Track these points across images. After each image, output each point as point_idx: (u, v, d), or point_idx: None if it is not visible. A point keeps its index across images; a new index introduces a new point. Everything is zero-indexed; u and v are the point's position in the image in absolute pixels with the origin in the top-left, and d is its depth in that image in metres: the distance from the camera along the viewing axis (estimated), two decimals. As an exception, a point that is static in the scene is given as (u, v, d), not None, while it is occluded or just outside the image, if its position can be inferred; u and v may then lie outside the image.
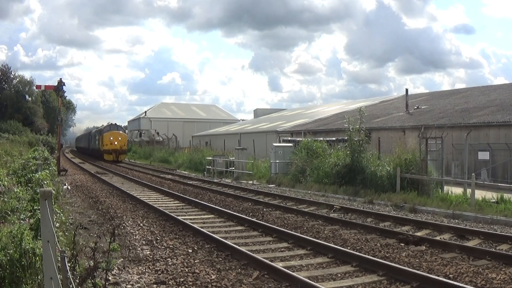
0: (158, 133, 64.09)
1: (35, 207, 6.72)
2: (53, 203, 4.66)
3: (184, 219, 11.50)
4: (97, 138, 50.50)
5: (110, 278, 6.25)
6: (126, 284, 6.36)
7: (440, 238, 9.68)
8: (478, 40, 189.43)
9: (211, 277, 6.79)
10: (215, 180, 24.15)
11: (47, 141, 45.80)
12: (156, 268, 7.22)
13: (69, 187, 18.84)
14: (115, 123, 50.21)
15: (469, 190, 14.86)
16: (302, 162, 22.00)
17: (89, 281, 4.97)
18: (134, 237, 9.50)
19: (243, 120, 75.42)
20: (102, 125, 54.59)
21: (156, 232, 10.14)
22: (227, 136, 50.60)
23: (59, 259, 3.78)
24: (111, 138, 45.91)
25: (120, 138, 46.43)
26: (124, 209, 13.45)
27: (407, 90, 35.30)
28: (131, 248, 8.52)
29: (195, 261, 7.69)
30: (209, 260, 7.82)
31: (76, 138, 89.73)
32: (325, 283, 6.61)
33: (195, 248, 8.65)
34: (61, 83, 26.48)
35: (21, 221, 6.09)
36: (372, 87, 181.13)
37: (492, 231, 10.44)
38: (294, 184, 20.94)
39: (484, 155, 21.95)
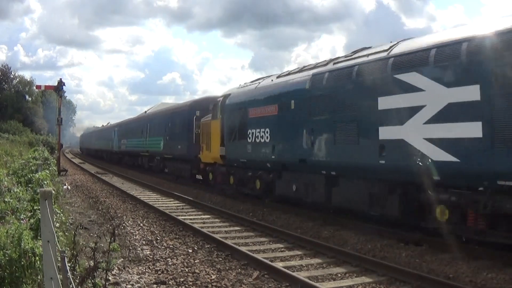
0: None
1: (35, 207, 6.72)
2: (53, 203, 4.66)
3: (184, 219, 11.50)
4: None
5: (110, 278, 6.24)
6: (126, 284, 6.36)
7: (440, 238, 9.65)
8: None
9: (211, 277, 6.80)
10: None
11: (47, 141, 45.73)
12: (156, 268, 7.22)
13: (69, 187, 18.83)
14: None
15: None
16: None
17: (89, 281, 4.98)
18: (134, 237, 9.49)
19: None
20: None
21: (156, 232, 10.13)
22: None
23: (59, 259, 3.78)
24: None
25: None
26: (124, 209, 13.45)
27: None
28: (131, 248, 8.52)
29: (195, 261, 7.69)
30: (209, 260, 7.82)
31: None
32: (325, 283, 6.61)
33: (195, 248, 8.65)
34: (61, 83, 26.43)
35: (21, 221, 6.09)
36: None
37: (492, 231, 10.41)
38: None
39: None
